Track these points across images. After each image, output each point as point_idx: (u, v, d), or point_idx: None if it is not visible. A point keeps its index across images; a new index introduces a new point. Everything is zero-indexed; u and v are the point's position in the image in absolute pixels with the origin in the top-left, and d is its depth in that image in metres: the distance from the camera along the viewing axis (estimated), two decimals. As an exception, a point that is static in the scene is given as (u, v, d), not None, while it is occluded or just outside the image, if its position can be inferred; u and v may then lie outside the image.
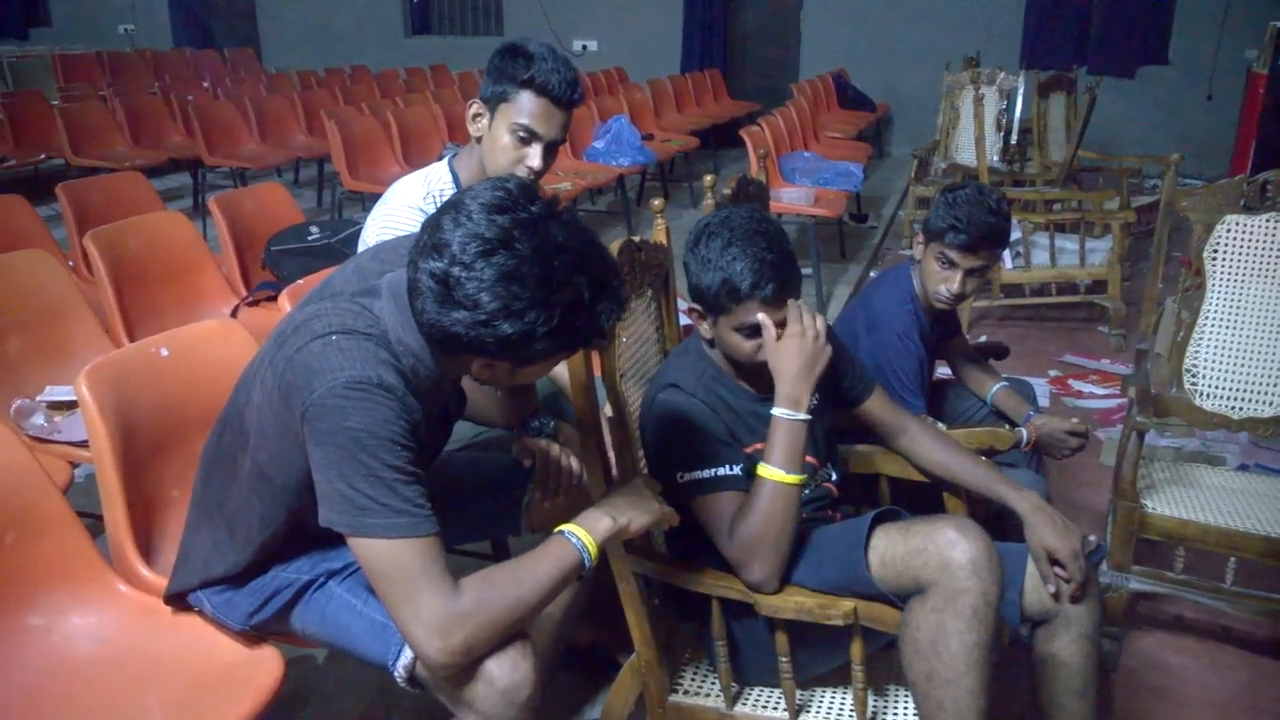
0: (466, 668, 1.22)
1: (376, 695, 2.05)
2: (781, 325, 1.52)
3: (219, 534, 1.41)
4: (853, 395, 1.82)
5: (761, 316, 1.52)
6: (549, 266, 1.12)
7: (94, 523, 1.63)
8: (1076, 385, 3.81)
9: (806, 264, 4.88)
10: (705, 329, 1.62)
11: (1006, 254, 4.45)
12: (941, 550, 1.38)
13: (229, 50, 10.33)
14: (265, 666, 1.41)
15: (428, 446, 1.32)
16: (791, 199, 4.75)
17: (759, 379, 1.64)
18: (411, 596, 1.17)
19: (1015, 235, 4.46)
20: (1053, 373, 3.96)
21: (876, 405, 1.84)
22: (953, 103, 5.67)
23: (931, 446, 1.82)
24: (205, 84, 8.17)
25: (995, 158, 5.28)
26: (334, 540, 1.25)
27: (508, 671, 1.23)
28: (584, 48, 10.27)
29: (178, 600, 1.49)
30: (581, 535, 1.30)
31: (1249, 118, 4.66)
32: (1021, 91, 5.77)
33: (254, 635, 1.46)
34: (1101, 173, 5.79)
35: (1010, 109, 5.50)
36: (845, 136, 6.99)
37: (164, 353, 1.66)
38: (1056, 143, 5.57)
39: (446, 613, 1.17)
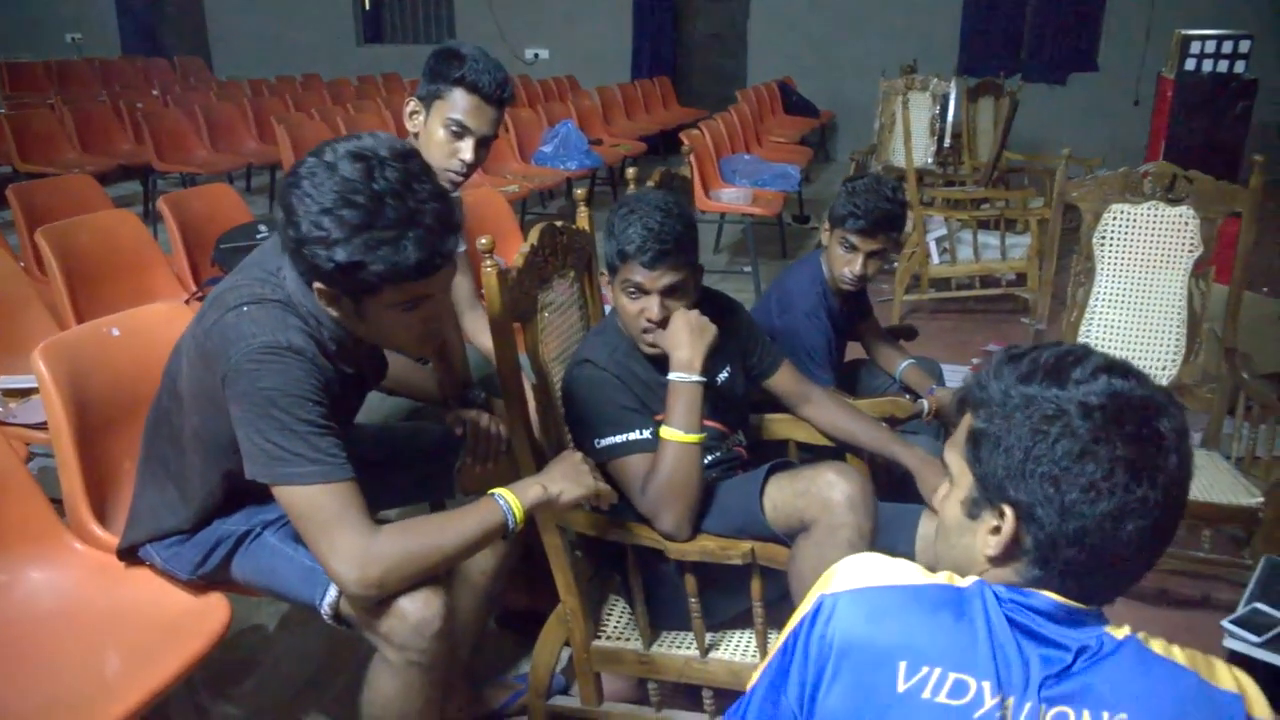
0: (384, 605, 1.35)
1: (325, 658, 2.18)
2: (662, 293, 1.68)
3: (166, 493, 1.54)
4: (762, 368, 1.98)
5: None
6: (377, 202, 1.24)
7: (54, 507, 1.74)
8: (997, 350, 4.02)
9: (747, 262, 5.08)
10: (609, 293, 1.78)
11: (933, 249, 4.68)
12: (822, 491, 1.55)
13: (179, 59, 10.32)
14: (213, 611, 1.53)
15: (341, 404, 1.44)
16: (730, 199, 4.94)
17: (664, 357, 1.79)
18: (330, 533, 1.30)
19: (941, 232, 4.69)
20: (975, 360, 4.17)
21: (784, 378, 2.01)
22: (889, 108, 5.91)
23: (833, 413, 1.99)
24: (155, 92, 8.19)
25: (929, 159, 5.51)
26: (269, 494, 1.37)
27: (420, 608, 1.36)
28: (536, 56, 10.42)
29: (129, 555, 1.61)
30: (510, 499, 1.43)
31: (1159, 119, 4.94)
32: (953, 97, 6.02)
33: (201, 585, 1.58)
34: (1028, 173, 6.05)
35: (943, 114, 5.74)
36: (788, 141, 7.20)
37: (115, 333, 1.78)
38: (985, 145, 5.83)
39: (364, 548, 1.30)
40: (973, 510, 0.93)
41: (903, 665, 0.87)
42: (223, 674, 2.11)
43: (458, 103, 2.00)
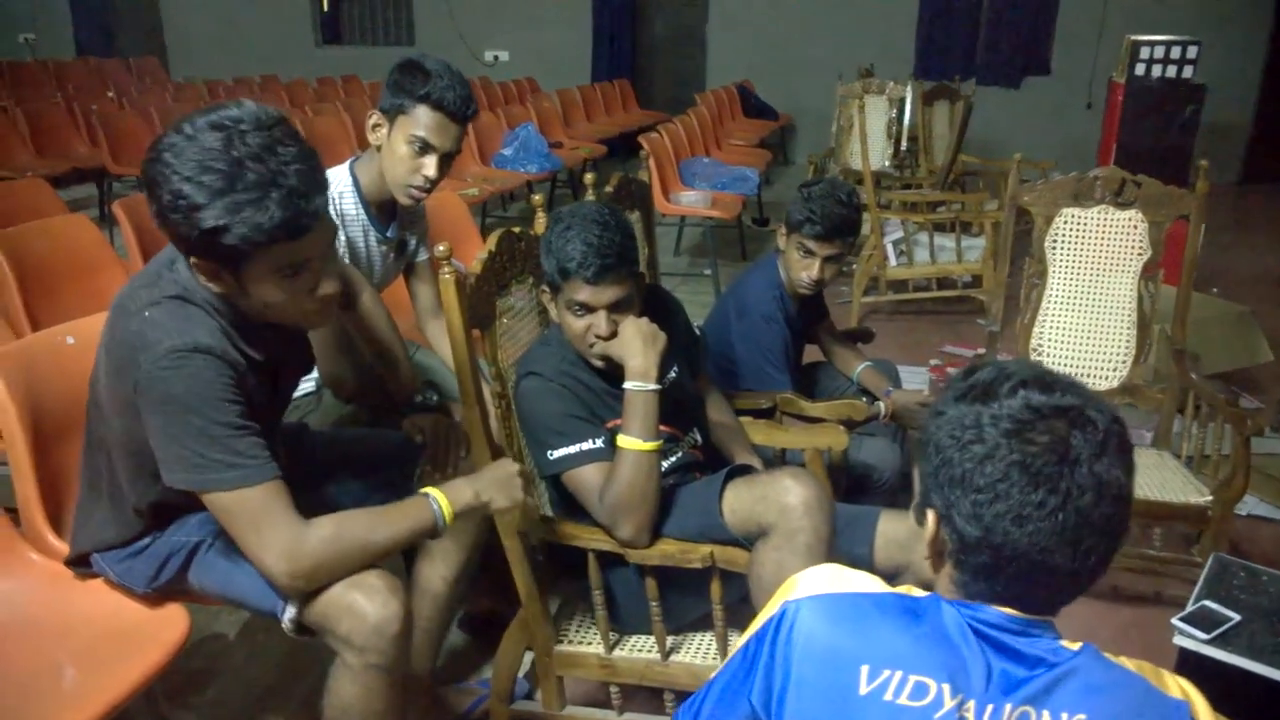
0: (343, 608, 1.37)
1: (286, 665, 2.16)
2: (609, 308, 1.67)
3: (100, 504, 1.53)
4: (694, 366, 2.02)
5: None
6: (237, 166, 1.24)
7: (9, 517, 1.71)
8: (954, 373, 4.09)
9: (707, 265, 5.12)
10: (553, 310, 1.76)
11: (891, 251, 4.74)
12: (779, 496, 1.57)
13: (134, 60, 10.15)
14: (172, 622, 1.52)
15: (259, 395, 1.42)
16: (690, 201, 4.97)
17: (613, 366, 1.77)
18: (259, 529, 1.32)
19: (898, 234, 4.76)
20: (933, 362, 4.23)
21: (702, 377, 2.07)
22: (846, 112, 5.98)
23: (714, 410, 2.06)
24: (110, 94, 8.05)
25: (886, 163, 5.59)
26: None
27: (379, 608, 1.37)
28: (495, 58, 10.39)
29: (82, 564, 1.59)
30: (442, 502, 1.45)
31: (1110, 122, 5.06)
32: (909, 101, 6.11)
33: (158, 597, 1.57)
34: (983, 176, 6.15)
35: (900, 117, 5.82)
36: (747, 144, 7.24)
37: (70, 340, 1.75)
38: (941, 148, 5.91)
39: (294, 540, 1.32)
40: (917, 516, 0.98)
41: (865, 669, 0.90)
42: (184, 683, 2.09)
43: (421, 119, 2.00)
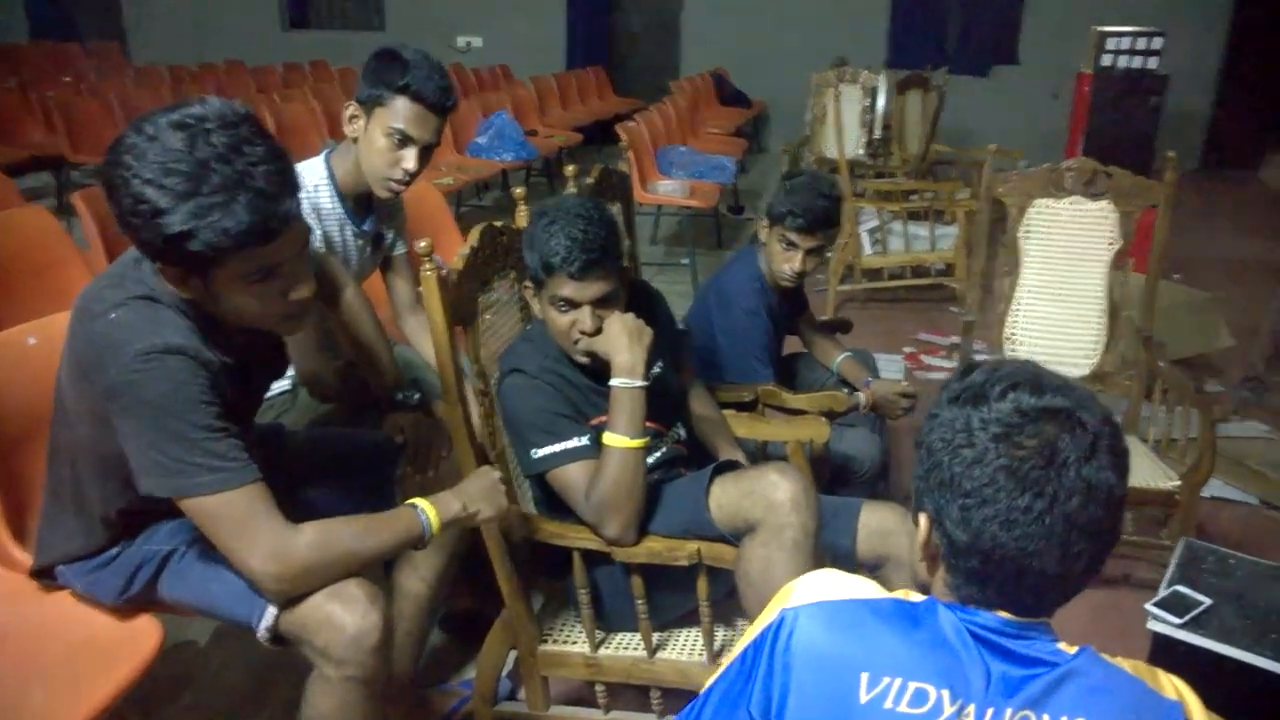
0: (321, 619, 1.33)
1: (262, 671, 2.11)
2: (594, 304, 1.64)
3: (68, 515, 1.47)
4: (678, 360, 2.00)
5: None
6: (201, 166, 1.18)
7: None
8: (928, 360, 4.12)
9: (684, 254, 5.10)
10: (536, 306, 1.73)
11: (866, 240, 4.75)
12: (766, 492, 1.56)
13: (92, 43, 9.90)
14: (143, 634, 1.47)
15: (228, 399, 1.35)
16: (667, 191, 4.95)
17: (598, 363, 1.75)
18: (244, 532, 1.28)
19: (873, 223, 4.77)
20: (907, 349, 4.25)
21: (686, 370, 2.05)
22: (820, 101, 5.97)
23: (698, 404, 2.05)
24: (67, 79, 7.86)
25: (861, 151, 5.58)
26: (178, 509, 1.32)
27: (357, 620, 1.34)
28: (468, 44, 10.27)
29: (47, 577, 1.53)
30: (430, 515, 1.43)
31: (1078, 112, 5.11)
32: (883, 90, 6.10)
33: (128, 609, 1.52)
34: (955, 165, 6.18)
35: (873, 106, 5.81)
36: (723, 132, 7.22)
37: (31, 341, 1.69)
38: (914, 137, 5.93)
39: (281, 542, 1.28)
40: (914, 517, 0.98)
41: (864, 676, 0.89)
42: (156, 692, 2.04)
43: (400, 111, 1.95)
